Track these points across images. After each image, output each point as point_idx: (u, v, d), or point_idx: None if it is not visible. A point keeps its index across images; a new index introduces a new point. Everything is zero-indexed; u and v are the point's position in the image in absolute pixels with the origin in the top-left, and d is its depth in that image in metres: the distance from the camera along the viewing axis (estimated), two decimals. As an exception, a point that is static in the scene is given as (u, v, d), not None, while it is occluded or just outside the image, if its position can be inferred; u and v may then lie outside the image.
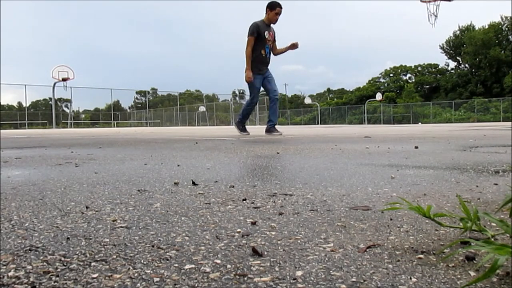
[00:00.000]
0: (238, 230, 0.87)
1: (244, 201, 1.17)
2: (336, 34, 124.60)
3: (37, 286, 0.59)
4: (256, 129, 12.27)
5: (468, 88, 43.34)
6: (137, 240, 0.81)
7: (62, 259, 0.70)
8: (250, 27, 6.23)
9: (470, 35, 44.28)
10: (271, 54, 6.54)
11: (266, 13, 6.31)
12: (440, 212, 0.82)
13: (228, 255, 0.71)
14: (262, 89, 6.53)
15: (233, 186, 1.43)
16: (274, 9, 6.22)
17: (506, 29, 43.31)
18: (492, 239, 0.74)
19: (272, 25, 6.40)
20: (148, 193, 1.31)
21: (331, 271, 0.63)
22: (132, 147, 3.76)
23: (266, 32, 6.28)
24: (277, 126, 6.81)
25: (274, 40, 6.49)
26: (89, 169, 2.02)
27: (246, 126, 6.83)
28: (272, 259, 0.69)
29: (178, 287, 0.59)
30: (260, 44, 6.30)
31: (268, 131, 6.52)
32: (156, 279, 0.61)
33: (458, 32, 47.50)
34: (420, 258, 0.69)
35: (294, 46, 6.47)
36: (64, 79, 25.33)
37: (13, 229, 0.89)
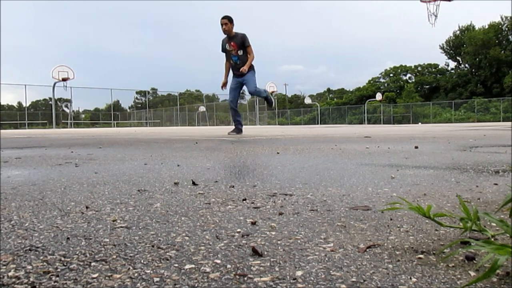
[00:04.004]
0: (238, 230, 0.87)
1: (244, 201, 1.17)
2: (336, 34, 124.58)
3: (37, 286, 0.59)
4: (257, 129, 12.28)
5: (468, 88, 43.31)
6: (137, 240, 0.81)
7: (62, 259, 0.70)
8: None
9: (470, 35, 44.24)
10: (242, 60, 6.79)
11: None
12: (440, 212, 0.82)
13: (228, 255, 0.71)
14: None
15: (233, 186, 1.43)
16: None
17: (506, 29, 43.28)
18: (492, 239, 0.74)
19: (236, 34, 6.71)
20: (148, 193, 1.31)
21: (331, 271, 0.63)
22: (132, 147, 3.76)
23: (227, 45, 6.77)
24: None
25: (240, 48, 6.72)
26: (89, 169, 2.02)
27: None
28: (272, 259, 0.69)
29: (178, 287, 0.59)
30: (228, 56, 6.87)
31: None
32: (156, 279, 0.61)
33: (458, 32, 47.47)
34: (420, 258, 0.69)
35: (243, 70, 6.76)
36: (64, 79, 25.27)
37: (13, 229, 0.89)
